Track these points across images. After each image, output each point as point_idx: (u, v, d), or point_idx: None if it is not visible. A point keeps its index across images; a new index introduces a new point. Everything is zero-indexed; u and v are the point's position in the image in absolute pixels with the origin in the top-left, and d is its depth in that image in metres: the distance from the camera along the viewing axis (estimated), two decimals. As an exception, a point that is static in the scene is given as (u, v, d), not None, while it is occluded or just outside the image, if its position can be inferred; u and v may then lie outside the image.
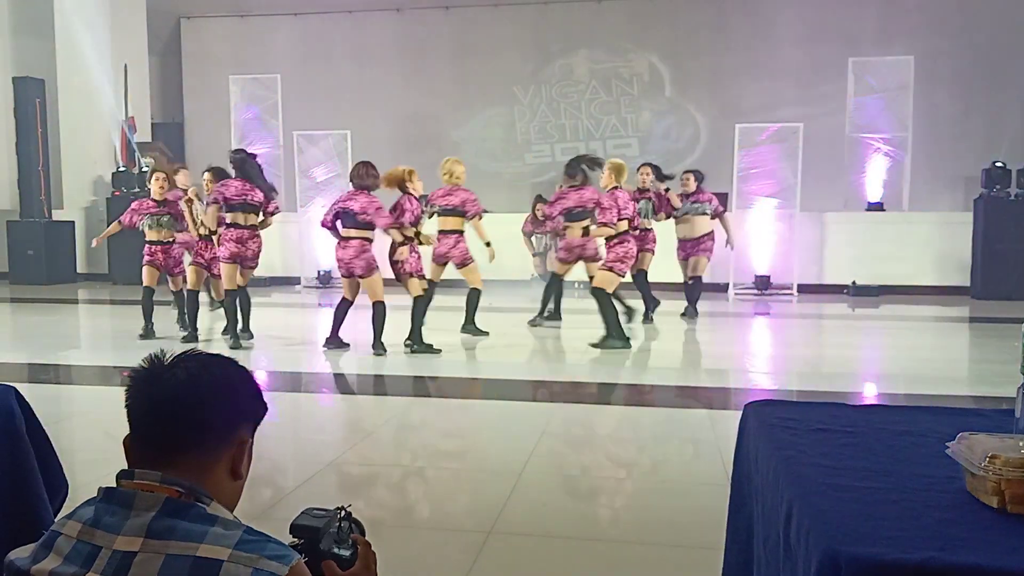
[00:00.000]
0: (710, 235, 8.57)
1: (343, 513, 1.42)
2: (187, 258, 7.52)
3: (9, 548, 1.26)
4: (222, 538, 1.13)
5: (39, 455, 2.27)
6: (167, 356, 1.27)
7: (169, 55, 15.86)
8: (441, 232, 7.35)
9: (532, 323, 8.09)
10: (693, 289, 8.70)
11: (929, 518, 1.33)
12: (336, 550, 1.36)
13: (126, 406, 1.25)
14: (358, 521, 1.45)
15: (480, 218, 7.35)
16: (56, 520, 1.24)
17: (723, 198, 11.67)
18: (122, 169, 12.67)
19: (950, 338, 8.58)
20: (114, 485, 1.21)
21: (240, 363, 1.34)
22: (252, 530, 1.17)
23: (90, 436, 4.53)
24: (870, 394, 5.79)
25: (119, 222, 7.56)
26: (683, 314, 8.68)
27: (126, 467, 1.23)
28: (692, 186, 8.54)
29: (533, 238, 10.62)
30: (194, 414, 1.22)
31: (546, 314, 8.15)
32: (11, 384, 2.32)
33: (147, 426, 1.23)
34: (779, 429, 1.86)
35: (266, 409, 1.35)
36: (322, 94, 14.63)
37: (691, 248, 8.57)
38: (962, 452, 1.43)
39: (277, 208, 7.13)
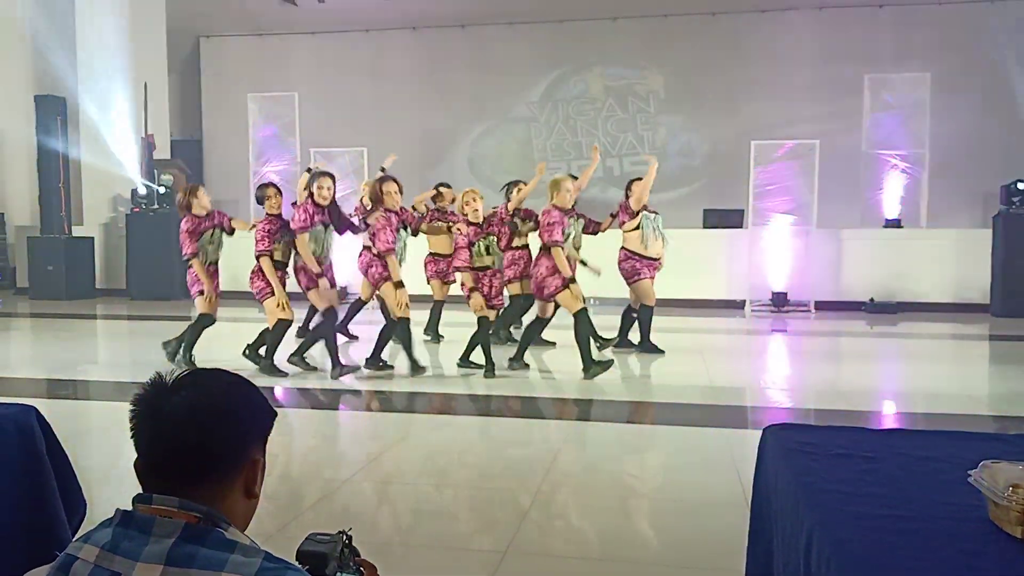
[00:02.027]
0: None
1: (345, 538, 1.41)
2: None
3: (27, 567, 1.26)
4: (242, 566, 1.12)
5: (59, 475, 2.29)
6: (169, 377, 1.25)
7: (188, 73, 16.04)
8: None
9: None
10: (645, 318, 7.52)
11: (951, 548, 1.32)
12: (341, 575, 1.36)
13: (131, 434, 1.23)
14: (355, 547, 1.45)
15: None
16: (72, 543, 1.23)
17: (739, 215, 11.71)
18: (146, 188, 12.79)
19: (969, 356, 8.48)
20: (131, 508, 1.20)
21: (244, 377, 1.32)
22: (271, 556, 1.16)
23: (109, 453, 4.55)
24: (889, 413, 5.74)
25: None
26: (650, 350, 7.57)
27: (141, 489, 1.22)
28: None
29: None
30: (200, 448, 1.21)
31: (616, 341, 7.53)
32: (32, 404, 2.34)
33: (155, 457, 1.22)
34: (799, 454, 1.85)
35: (274, 418, 1.32)
36: (339, 112, 14.74)
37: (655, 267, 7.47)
38: (985, 481, 1.41)
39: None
